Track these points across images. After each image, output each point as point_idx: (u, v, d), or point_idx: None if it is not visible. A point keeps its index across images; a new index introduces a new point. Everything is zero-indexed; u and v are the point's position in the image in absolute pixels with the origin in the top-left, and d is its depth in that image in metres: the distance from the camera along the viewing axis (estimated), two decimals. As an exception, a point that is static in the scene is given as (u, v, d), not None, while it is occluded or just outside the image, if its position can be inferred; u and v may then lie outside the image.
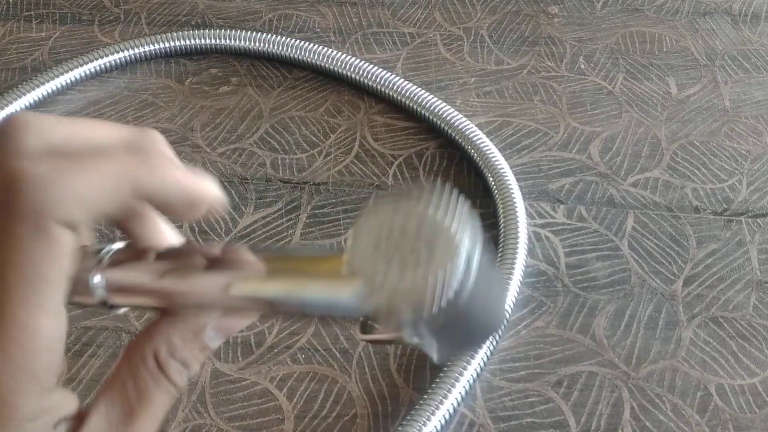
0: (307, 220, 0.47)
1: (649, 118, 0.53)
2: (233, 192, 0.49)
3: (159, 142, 0.21)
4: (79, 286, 0.22)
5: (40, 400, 0.20)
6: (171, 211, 0.21)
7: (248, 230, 0.47)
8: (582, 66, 0.57)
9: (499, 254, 0.44)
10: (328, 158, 0.51)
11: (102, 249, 0.23)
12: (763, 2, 0.62)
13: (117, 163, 0.20)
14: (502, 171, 0.47)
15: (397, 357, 0.41)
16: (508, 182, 0.47)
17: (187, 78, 0.56)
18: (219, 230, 0.47)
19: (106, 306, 0.23)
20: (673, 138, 0.52)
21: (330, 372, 0.40)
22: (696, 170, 0.50)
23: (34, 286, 0.19)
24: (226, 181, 0.49)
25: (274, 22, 0.61)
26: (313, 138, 0.52)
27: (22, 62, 0.57)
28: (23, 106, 0.52)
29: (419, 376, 0.40)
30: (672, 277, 0.44)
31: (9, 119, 0.20)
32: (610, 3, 0.63)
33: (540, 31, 0.60)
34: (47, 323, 0.20)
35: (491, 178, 0.47)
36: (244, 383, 0.40)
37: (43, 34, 0.60)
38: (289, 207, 0.48)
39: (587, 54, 0.58)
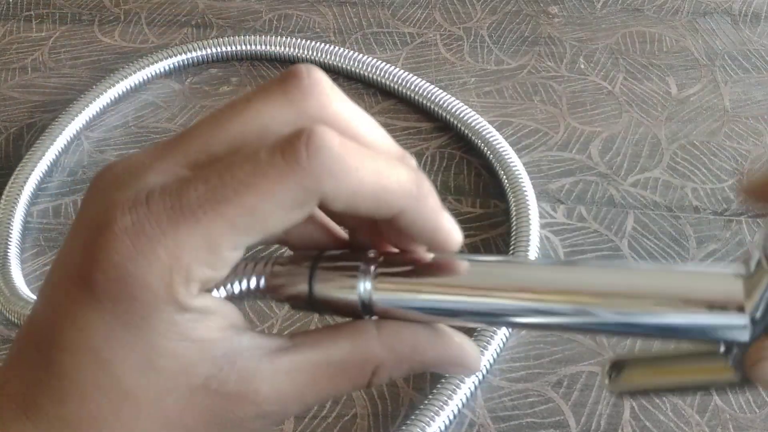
0: (307, 220, 0.47)
1: (649, 118, 0.53)
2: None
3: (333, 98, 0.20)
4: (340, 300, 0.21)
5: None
6: (402, 243, 0.22)
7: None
8: (582, 66, 0.57)
9: (511, 253, 0.44)
10: (328, 158, 0.51)
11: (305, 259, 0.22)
12: (763, 2, 0.62)
13: (409, 182, 0.20)
14: (516, 170, 0.47)
15: (397, 357, 0.41)
16: (521, 182, 0.47)
17: (188, 78, 0.56)
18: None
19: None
20: (673, 138, 0.52)
21: (330, 372, 0.40)
22: (696, 170, 0.50)
23: (251, 222, 0.19)
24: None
25: (274, 22, 0.61)
26: (313, 138, 0.52)
27: (22, 62, 0.58)
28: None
29: (419, 377, 0.40)
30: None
31: (295, 68, 0.20)
32: (610, 3, 0.63)
33: (540, 31, 0.60)
34: (237, 246, 0.19)
35: (504, 177, 0.47)
36: (244, 383, 0.40)
37: (43, 34, 0.60)
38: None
39: (587, 54, 0.58)
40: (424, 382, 0.40)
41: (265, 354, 0.20)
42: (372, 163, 0.19)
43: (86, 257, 0.19)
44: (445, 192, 0.49)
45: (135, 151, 0.22)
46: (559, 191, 0.49)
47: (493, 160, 0.48)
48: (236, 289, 0.21)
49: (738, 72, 0.57)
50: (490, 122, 0.52)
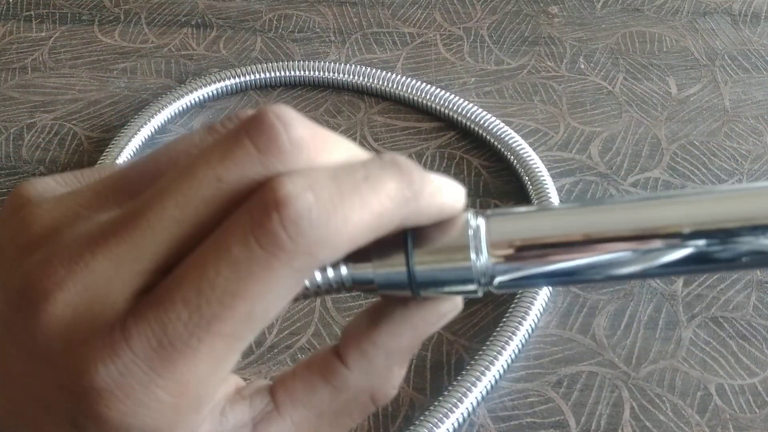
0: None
1: (649, 118, 0.53)
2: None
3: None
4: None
5: None
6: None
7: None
8: (582, 66, 0.57)
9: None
10: (328, 158, 0.51)
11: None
12: (763, 2, 0.62)
13: (400, 191, 0.18)
14: (538, 173, 0.47)
15: (397, 357, 0.41)
16: (545, 184, 0.47)
17: (188, 78, 0.56)
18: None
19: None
20: (673, 138, 0.52)
21: (330, 372, 0.40)
22: (696, 170, 0.50)
23: (253, 326, 0.16)
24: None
25: (274, 22, 0.61)
26: (313, 138, 0.52)
27: (23, 62, 0.57)
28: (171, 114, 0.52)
29: (419, 376, 0.40)
30: (672, 277, 0.44)
31: (268, 127, 0.17)
32: (610, 3, 0.63)
33: (540, 31, 0.60)
34: (236, 359, 0.17)
35: (528, 182, 0.47)
36: (244, 383, 0.40)
37: (43, 34, 0.60)
38: (289, 207, 0.48)
39: (587, 54, 0.58)
40: (424, 382, 0.40)
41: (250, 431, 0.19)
42: (358, 196, 0.17)
43: (74, 408, 0.16)
44: (445, 192, 0.49)
45: (54, 177, 0.19)
46: (560, 191, 0.49)
47: (520, 170, 0.48)
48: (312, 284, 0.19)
49: (738, 72, 0.57)
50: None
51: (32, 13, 0.62)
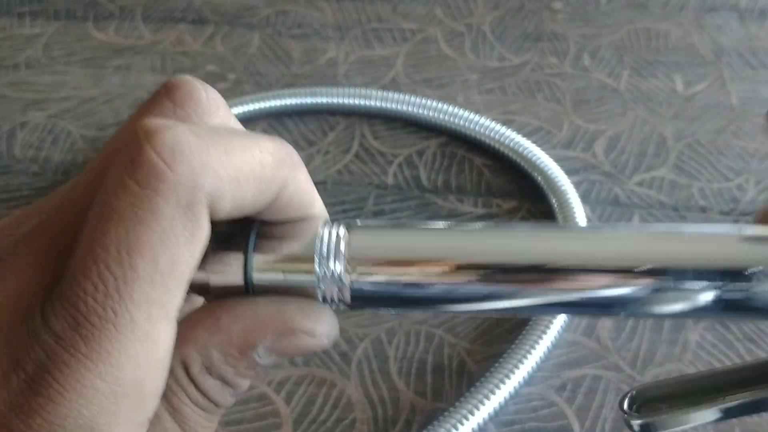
0: (306, 220, 0.46)
1: (655, 115, 0.53)
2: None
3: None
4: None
5: None
6: (280, 216, 0.18)
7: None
8: (586, 63, 0.56)
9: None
10: (327, 157, 0.50)
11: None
12: (769, -2, 0.61)
13: (279, 151, 0.17)
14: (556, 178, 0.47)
15: (397, 360, 0.40)
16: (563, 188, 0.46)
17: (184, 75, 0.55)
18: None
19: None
20: (679, 136, 0.51)
21: (329, 375, 0.40)
22: (702, 169, 0.49)
23: (165, 283, 0.15)
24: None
25: (272, 18, 0.60)
26: (312, 136, 0.51)
27: (15, 59, 0.57)
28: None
29: (420, 380, 0.39)
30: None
31: (186, 82, 0.17)
32: (614, -1, 0.62)
33: (543, 27, 0.59)
34: (166, 331, 0.16)
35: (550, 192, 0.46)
36: (240, 387, 0.39)
37: (36, 30, 0.59)
38: (287, 206, 0.47)
39: (591, 50, 0.57)
40: (425, 386, 0.39)
41: None
42: (239, 140, 0.16)
43: (8, 403, 0.15)
44: (446, 191, 0.48)
45: None
46: (563, 190, 0.48)
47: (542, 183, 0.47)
48: None
49: (745, 69, 0.56)
50: (492, 120, 0.51)
51: (26, 9, 0.61)
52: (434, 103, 0.50)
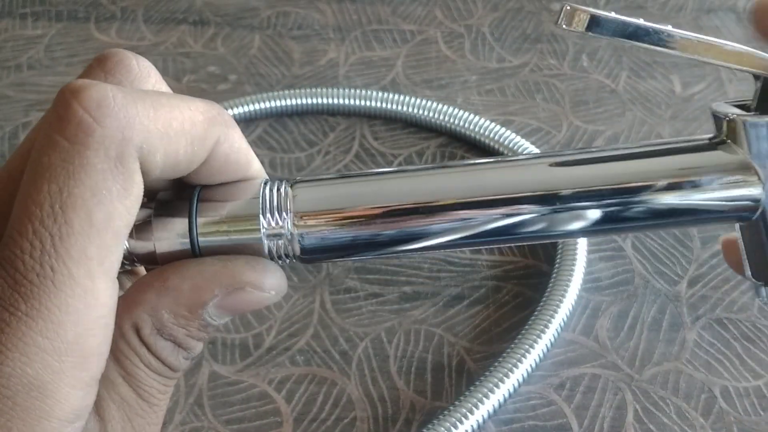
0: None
1: (653, 116, 0.53)
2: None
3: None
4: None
5: (86, 394, 0.16)
6: (220, 177, 0.18)
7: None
8: (585, 64, 0.57)
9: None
10: (327, 157, 0.50)
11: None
12: (767, -1, 0.62)
13: (209, 110, 0.17)
14: None
15: (397, 359, 0.40)
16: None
17: (185, 76, 0.56)
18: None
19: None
20: (677, 137, 0.51)
21: (329, 374, 0.40)
22: (700, 169, 0.50)
23: (101, 237, 0.15)
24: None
25: (273, 19, 0.60)
26: (312, 137, 0.52)
27: (18, 60, 0.57)
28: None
29: (419, 379, 0.40)
30: (676, 278, 0.44)
31: (117, 52, 0.18)
32: (613, 0, 0.62)
33: (542, 29, 0.59)
34: (106, 288, 0.16)
35: None
36: (242, 385, 0.39)
37: (39, 31, 0.59)
38: (287, 206, 0.47)
39: (590, 51, 0.58)
40: (425, 385, 0.39)
41: None
42: (167, 99, 0.16)
43: None
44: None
45: None
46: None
47: None
48: None
49: (742, 69, 0.56)
50: (491, 120, 0.51)
51: (28, 10, 0.61)
52: (434, 104, 0.51)
